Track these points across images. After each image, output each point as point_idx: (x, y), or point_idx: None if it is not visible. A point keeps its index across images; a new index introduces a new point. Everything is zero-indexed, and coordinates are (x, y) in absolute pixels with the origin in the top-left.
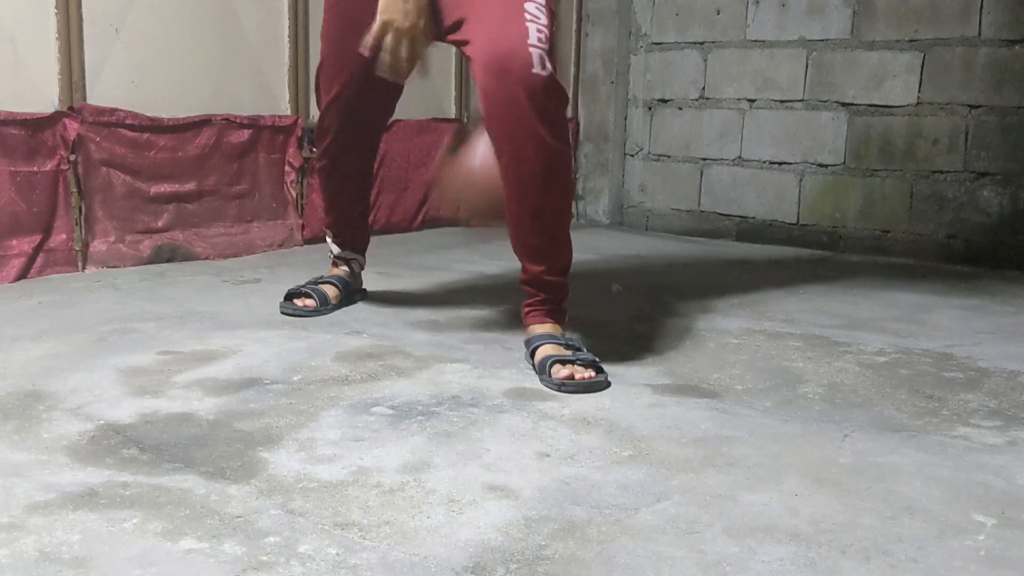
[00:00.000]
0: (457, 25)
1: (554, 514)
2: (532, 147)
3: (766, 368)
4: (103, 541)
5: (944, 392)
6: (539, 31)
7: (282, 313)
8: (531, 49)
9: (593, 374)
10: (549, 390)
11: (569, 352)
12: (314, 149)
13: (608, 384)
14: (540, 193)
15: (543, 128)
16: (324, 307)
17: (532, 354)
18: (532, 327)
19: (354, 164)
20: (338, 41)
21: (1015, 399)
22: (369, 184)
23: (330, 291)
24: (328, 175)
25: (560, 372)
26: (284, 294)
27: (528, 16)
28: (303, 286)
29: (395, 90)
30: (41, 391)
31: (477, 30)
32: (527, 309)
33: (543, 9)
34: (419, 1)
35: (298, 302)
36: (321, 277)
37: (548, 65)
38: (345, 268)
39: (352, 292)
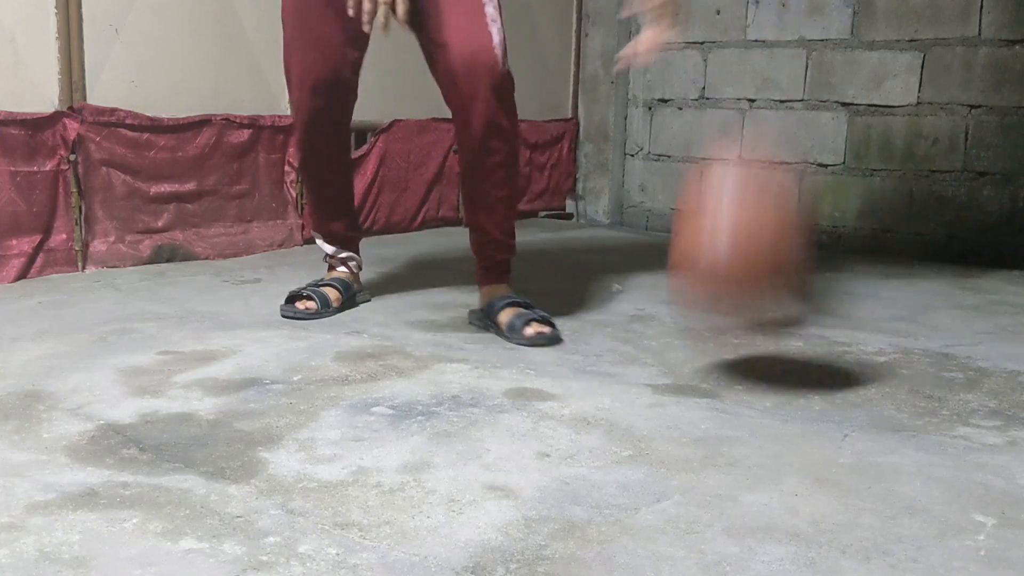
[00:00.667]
0: (427, 17)
1: (554, 514)
2: (494, 135)
3: (766, 368)
4: (103, 541)
5: (944, 392)
6: (499, 32)
7: (283, 316)
8: (496, 51)
9: (551, 329)
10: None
11: (530, 311)
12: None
13: (560, 339)
14: (498, 172)
15: (503, 117)
16: (325, 310)
17: (494, 315)
18: (488, 288)
19: (332, 144)
20: (297, 47)
21: (1015, 399)
22: (349, 167)
23: (331, 294)
24: (306, 165)
25: (528, 331)
26: (285, 296)
27: (489, 18)
28: (304, 288)
29: (355, 70)
30: (41, 391)
31: (447, 32)
32: (482, 272)
33: (497, 8)
34: None
35: (299, 305)
36: (322, 280)
37: (506, 61)
38: (343, 269)
39: (353, 295)
